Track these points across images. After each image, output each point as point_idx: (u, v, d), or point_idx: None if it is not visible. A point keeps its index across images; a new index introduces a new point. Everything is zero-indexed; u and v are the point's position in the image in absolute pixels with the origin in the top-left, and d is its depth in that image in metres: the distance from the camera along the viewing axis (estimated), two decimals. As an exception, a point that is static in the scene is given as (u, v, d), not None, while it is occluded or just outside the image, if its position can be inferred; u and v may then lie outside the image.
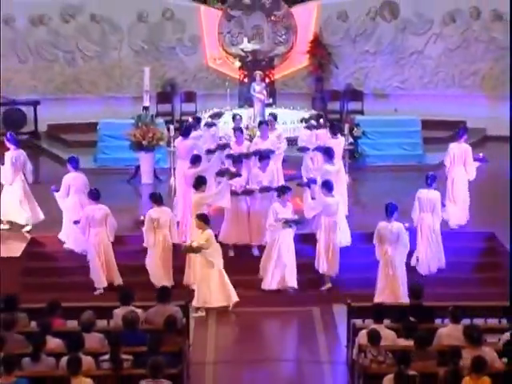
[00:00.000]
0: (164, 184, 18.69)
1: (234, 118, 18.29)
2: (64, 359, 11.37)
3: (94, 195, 16.14)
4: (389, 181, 17.37)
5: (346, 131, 18.29)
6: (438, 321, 12.95)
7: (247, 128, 18.94)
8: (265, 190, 16.20)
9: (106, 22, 23.02)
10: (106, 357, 11.60)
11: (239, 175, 16.38)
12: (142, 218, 15.79)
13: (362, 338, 12.15)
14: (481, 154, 17.47)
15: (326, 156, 16.45)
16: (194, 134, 17.65)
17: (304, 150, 17.34)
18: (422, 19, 22.95)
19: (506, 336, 12.06)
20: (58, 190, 16.59)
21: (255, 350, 14.43)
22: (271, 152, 16.88)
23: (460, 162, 16.58)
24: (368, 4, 23.11)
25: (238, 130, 17.53)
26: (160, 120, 20.29)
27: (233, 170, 16.44)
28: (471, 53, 22.93)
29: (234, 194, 16.03)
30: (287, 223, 15.53)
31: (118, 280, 15.82)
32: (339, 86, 23.03)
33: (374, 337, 11.93)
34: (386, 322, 12.74)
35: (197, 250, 14.89)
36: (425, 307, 13.00)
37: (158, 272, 15.80)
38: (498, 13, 22.67)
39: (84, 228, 15.96)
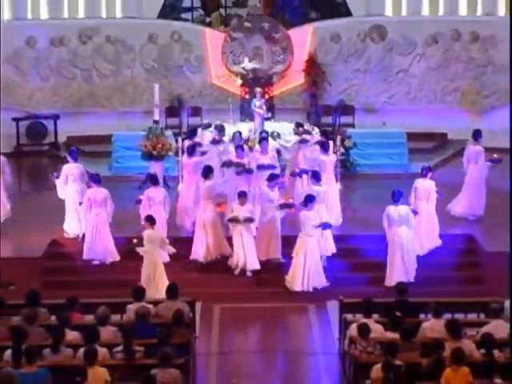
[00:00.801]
0: (172, 190, 18.65)
1: (233, 135, 18.24)
2: (81, 350, 11.37)
3: (96, 179, 16.60)
4: (377, 188, 17.38)
5: (339, 142, 18.30)
6: (421, 316, 12.93)
7: (248, 140, 18.91)
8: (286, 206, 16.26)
9: (119, 43, 23.03)
10: (120, 348, 11.60)
11: (243, 166, 16.72)
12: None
13: (353, 330, 12.15)
14: (495, 155, 17.54)
15: (313, 179, 16.44)
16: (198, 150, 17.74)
17: (296, 174, 17.22)
18: (407, 41, 22.95)
19: (484, 329, 12.07)
20: (58, 177, 16.94)
21: (255, 342, 14.49)
22: (273, 167, 16.88)
23: (423, 197, 16.35)
24: (358, 27, 23.11)
25: (238, 147, 17.50)
26: (169, 132, 20.31)
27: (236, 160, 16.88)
28: (452, 71, 22.93)
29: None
30: (281, 207, 15.93)
31: (113, 257, 16.26)
32: (332, 102, 23.02)
33: (363, 330, 11.93)
34: (375, 316, 12.74)
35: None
36: (410, 303, 12.99)
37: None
38: (476, 35, 22.69)
39: (86, 208, 16.32)
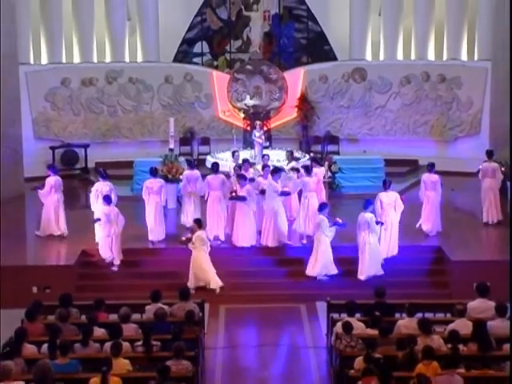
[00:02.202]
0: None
1: (243, 161, 18.23)
2: (107, 344, 11.35)
3: (103, 174, 17.21)
4: (359, 206, 17.32)
5: (326, 167, 18.28)
6: (397, 315, 12.90)
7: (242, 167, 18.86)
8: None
9: (140, 83, 23.09)
10: (140, 343, 11.58)
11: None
12: (183, 238, 15.85)
13: (338, 328, 12.12)
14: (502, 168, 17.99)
15: (305, 172, 17.10)
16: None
17: (285, 194, 17.18)
18: (384, 81, 22.99)
19: (450, 327, 12.05)
20: (40, 189, 17.21)
21: (255, 337, 14.45)
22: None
23: (389, 208, 16.20)
24: (343, 70, 23.16)
25: (245, 161, 17.61)
26: (182, 159, 20.29)
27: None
28: (422, 107, 22.95)
29: None
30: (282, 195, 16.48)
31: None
32: (320, 133, 23.05)
33: (347, 327, 11.91)
34: (357, 315, 12.72)
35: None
36: (387, 304, 12.96)
37: (151, 222, 16.95)
38: (443, 76, 22.73)
39: (93, 200, 16.95)
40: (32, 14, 22.12)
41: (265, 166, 17.44)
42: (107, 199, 16.17)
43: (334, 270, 15.70)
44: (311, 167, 17.34)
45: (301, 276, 15.93)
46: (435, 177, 17.44)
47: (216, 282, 15.48)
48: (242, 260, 16.47)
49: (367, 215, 15.51)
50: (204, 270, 15.50)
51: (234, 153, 18.73)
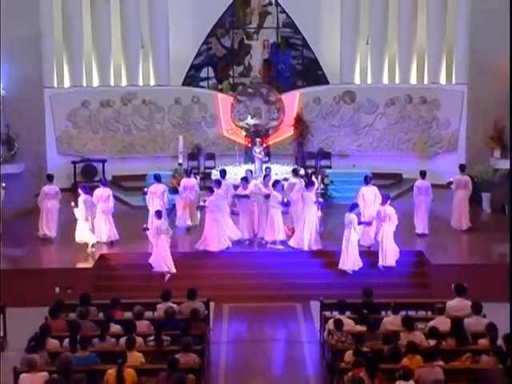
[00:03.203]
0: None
1: (245, 172, 18.29)
2: (122, 339, 11.35)
3: (104, 182, 17.76)
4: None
5: (319, 180, 18.27)
6: (383, 313, 12.88)
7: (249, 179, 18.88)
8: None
9: (152, 105, 23.09)
10: (152, 338, 11.58)
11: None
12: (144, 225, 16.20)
13: (330, 324, 12.11)
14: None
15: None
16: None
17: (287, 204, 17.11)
18: (371, 103, 22.99)
19: (431, 324, 12.03)
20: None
21: (256, 333, 14.41)
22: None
23: (386, 220, 16.17)
24: (334, 93, 23.16)
25: (243, 179, 17.56)
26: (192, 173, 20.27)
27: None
28: (406, 126, 22.94)
29: None
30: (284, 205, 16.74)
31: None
32: (314, 149, 23.01)
33: (338, 324, 11.90)
34: (347, 313, 12.69)
35: None
36: (374, 303, 12.96)
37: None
38: (424, 98, 22.72)
39: (95, 203, 17.10)
40: (56, 42, 22.15)
41: (266, 176, 17.48)
42: (158, 213, 16.03)
43: (360, 263, 15.83)
44: (312, 183, 17.28)
45: (296, 278, 15.93)
46: (427, 183, 17.77)
47: (170, 269, 15.70)
48: (243, 262, 16.42)
49: (351, 216, 15.72)
50: (160, 257, 15.65)
51: (266, 169, 18.55)
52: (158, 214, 16.04)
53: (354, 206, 15.94)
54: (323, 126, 23.16)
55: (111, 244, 17.15)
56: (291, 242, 16.64)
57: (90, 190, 17.28)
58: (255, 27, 24.64)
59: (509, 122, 20.35)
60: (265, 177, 17.51)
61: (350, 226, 15.70)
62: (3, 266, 16.30)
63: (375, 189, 17.18)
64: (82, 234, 16.94)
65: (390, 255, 16.01)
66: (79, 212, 16.91)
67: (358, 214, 16.06)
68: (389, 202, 16.40)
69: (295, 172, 17.93)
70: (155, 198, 17.47)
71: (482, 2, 21.03)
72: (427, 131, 22.79)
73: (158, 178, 17.83)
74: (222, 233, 16.65)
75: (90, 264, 16.15)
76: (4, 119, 20.24)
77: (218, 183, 17.18)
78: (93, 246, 16.72)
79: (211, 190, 16.72)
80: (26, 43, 20.43)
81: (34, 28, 20.76)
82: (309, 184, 16.80)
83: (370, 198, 16.94)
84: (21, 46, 20.28)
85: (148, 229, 15.96)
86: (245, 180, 17.33)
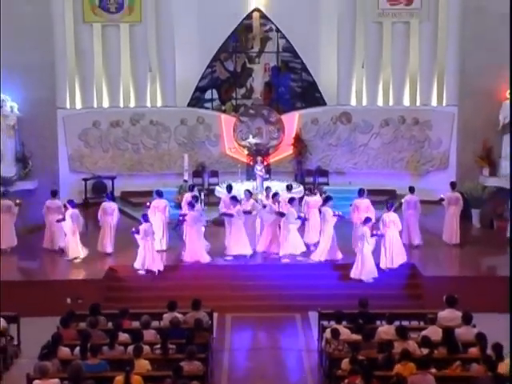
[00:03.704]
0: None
1: (244, 192, 18.08)
2: (130, 347, 11.35)
3: (110, 197, 17.88)
4: (345, 228, 17.39)
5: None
6: (378, 322, 12.88)
7: (252, 194, 18.92)
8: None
9: (159, 125, 23.11)
10: (158, 346, 11.57)
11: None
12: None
13: (328, 333, 12.11)
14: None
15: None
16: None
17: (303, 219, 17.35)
18: (366, 123, 23.01)
19: (423, 333, 12.02)
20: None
21: (257, 341, 14.42)
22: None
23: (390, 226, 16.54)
24: (331, 114, 23.18)
25: (233, 198, 17.48)
26: (194, 189, 20.31)
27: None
28: (399, 146, 22.94)
29: None
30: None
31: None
32: (312, 167, 23.02)
33: (335, 333, 11.90)
34: (344, 323, 12.70)
35: None
36: (369, 313, 12.95)
37: (159, 235, 17.19)
38: (416, 119, 22.74)
39: (101, 216, 17.39)
40: (68, 66, 22.22)
41: (275, 195, 17.41)
42: (145, 217, 16.59)
43: (376, 273, 15.97)
44: (313, 189, 17.85)
45: (295, 289, 15.92)
46: (415, 198, 17.97)
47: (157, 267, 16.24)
48: (244, 275, 16.42)
49: (364, 229, 15.92)
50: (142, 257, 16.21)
51: (267, 188, 18.55)
52: (145, 217, 16.56)
53: (367, 220, 16.03)
54: (321, 145, 23.17)
55: (106, 255, 17.24)
56: (314, 256, 16.76)
57: (76, 205, 17.53)
58: (257, 52, 24.71)
59: (496, 142, 20.44)
60: (274, 195, 17.44)
61: (363, 238, 15.86)
62: (17, 278, 16.36)
63: (368, 201, 17.54)
64: (73, 249, 16.98)
65: (396, 257, 16.26)
66: (66, 226, 17.00)
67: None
68: (393, 209, 16.76)
69: (289, 188, 18.05)
70: (157, 212, 17.55)
71: (471, 29, 21.11)
72: (419, 150, 22.81)
73: (160, 194, 17.95)
74: (203, 245, 16.85)
75: (99, 276, 16.14)
76: (19, 138, 20.29)
77: (235, 199, 17.22)
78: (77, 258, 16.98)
79: (192, 205, 16.89)
80: (40, 68, 20.51)
81: (48, 54, 20.85)
82: (327, 199, 17.02)
83: (363, 209, 17.29)
84: (36, 70, 20.36)
85: (138, 232, 16.29)
86: (246, 195, 17.41)
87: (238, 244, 16.87)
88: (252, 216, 17.30)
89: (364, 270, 15.89)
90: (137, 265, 16.36)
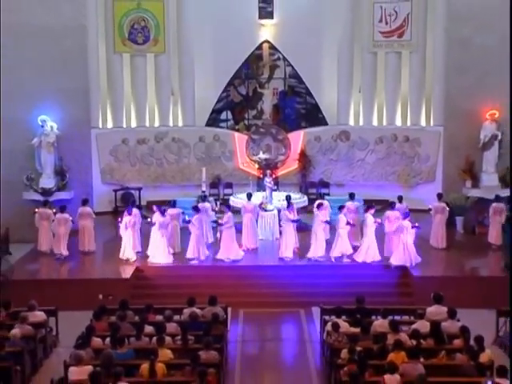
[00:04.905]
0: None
1: (247, 195, 18.49)
2: (154, 338, 11.37)
3: (129, 208, 17.43)
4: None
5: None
6: (373, 317, 12.85)
7: (262, 203, 18.95)
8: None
9: (180, 142, 23.17)
10: (179, 337, 11.59)
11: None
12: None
13: (329, 327, 12.10)
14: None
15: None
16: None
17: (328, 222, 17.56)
18: (363, 141, 23.02)
19: (413, 326, 12.00)
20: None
21: (266, 333, 14.38)
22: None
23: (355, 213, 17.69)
24: (332, 132, 23.21)
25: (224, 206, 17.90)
26: (211, 198, 20.36)
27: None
28: (392, 161, 22.91)
29: None
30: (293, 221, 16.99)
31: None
32: (315, 179, 23.02)
33: (335, 326, 11.89)
34: (343, 317, 12.69)
35: None
36: (366, 309, 12.93)
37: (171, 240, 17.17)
38: (407, 137, 22.72)
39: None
40: (101, 91, 22.34)
41: (289, 205, 17.38)
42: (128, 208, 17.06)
43: (379, 256, 16.63)
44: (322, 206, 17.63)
45: (300, 287, 15.90)
46: (403, 205, 17.99)
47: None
48: (255, 274, 16.37)
49: (367, 215, 16.66)
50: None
51: (248, 194, 18.68)
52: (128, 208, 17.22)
53: (369, 208, 16.85)
54: (323, 160, 23.19)
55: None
56: (359, 258, 16.73)
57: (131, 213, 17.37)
58: (266, 78, 24.78)
59: (478, 158, 20.41)
60: (288, 205, 17.42)
61: (366, 224, 16.57)
62: (56, 277, 16.42)
63: (357, 203, 18.10)
64: (128, 252, 17.02)
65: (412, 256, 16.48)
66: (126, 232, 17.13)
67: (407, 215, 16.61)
68: (395, 209, 17.31)
69: (288, 199, 18.08)
70: (173, 219, 17.45)
71: (454, 58, 21.08)
72: (410, 165, 22.78)
73: (173, 204, 17.99)
74: (235, 245, 16.97)
75: (127, 275, 16.19)
76: (58, 154, 20.41)
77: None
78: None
79: (197, 210, 17.05)
80: (77, 92, 20.63)
81: (83, 80, 20.97)
82: (369, 208, 17.04)
83: (353, 210, 17.77)
84: (73, 94, 20.48)
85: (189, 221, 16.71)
86: (225, 209, 17.44)
87: (227, 250, 16.84)
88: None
89: (368, 253, 16.37)
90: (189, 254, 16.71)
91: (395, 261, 16.33)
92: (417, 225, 16.55)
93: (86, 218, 17.81)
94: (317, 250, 16.75)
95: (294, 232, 17.10)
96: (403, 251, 16.29)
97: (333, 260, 16.63)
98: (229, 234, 16.82)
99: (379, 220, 16.85)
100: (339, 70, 23.35)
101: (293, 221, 16.99)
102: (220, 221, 17.21)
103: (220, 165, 23.23)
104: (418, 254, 16.56)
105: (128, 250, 16.92)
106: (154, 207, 17.41)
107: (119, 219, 17.42)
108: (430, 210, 18.23)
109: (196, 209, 17.16)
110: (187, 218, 17.13)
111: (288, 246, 16.83)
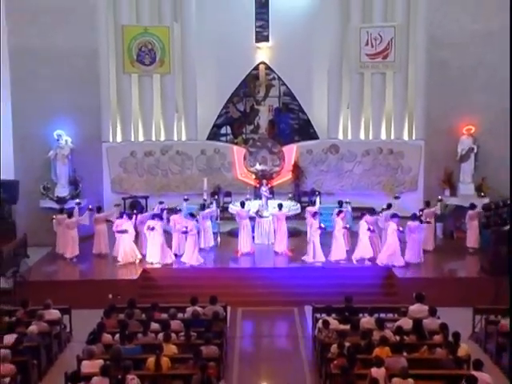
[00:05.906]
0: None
1: (240, 203, 18.66)
2: (160, 334, 11.37)
3: (129, 215, 17.67)
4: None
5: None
6: (360, 315, 12.87)
7: (259, 211, 18.98)
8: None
9: (184, 155, 23.13)
10: (182, 333, 11.59)
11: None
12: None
13: (320, 324, 12.11)
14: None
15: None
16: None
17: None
18: (351, 153, 22.99)
19: (397, 323, 12.00)
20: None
21: (262, 330, 14.38)
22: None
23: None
24: (322, 145, 23.18)
25: (188, 214, 17.74)
26: (213, 205, 20.30)
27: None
28: (377, 172, 22.89)
29: None
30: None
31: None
32: (307, 189, 22.95)
33: (326, 323, 11.90)
34: (333, 315, 12.69)
35: None
36: (354, 307, 12.95)
37: (175, 243, 17.32)
38: (391, 150, 22.70)
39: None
40: (111, 108, 22.36)
41: (315, 214, 17.68)
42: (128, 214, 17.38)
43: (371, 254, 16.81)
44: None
45: (294, 288, 15.89)
46: (391, 212, 18.04)
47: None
48: (253, 276, 16.39)
49: (391, 223, 16.74)
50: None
51: (242, 202, 18.72)
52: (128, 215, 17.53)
53: (341, 202, 17.55)
54: (314, 171, 23.18)
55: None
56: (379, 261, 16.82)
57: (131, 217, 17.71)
58: (262, 96, 24.87)
59: (456, 169, 20.48)
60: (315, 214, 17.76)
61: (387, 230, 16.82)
62: (69, 278, 16.41)
63: (346, 210, 18.38)
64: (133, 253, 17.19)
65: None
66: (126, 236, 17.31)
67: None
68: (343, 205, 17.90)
69: (279, 207, 18.08)
70: (177, 224, 17.69)
71: (435, 78, 21.18)
72: (394, 175, 22.79)
73: (176, 210, 18.39)
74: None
75: (135, 276, 16.17)
76: (72, 165, 20.45)
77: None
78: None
79: (192, 216, 17.32)
80: (89, 109, 20.70)
81: (95, 98, 21.03)
82: (393, 216, 17.18)
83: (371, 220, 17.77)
84: (85, 111, 20.55)
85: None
86: (191, 216, 17.50)
87: (189, 256, 16.88)
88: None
89: (389, 256, 16.47)
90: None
91: (409, 259, 16.75)
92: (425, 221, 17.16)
93: (100, 223, 17.87)
94: (338, 254, 16.90)
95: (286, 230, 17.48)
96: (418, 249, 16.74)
97: (355, 262, 16.73)
98: (193, 241, 16.83)
99: (401, 228, 16.80)
100: (329, 88, 23.39)
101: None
102: (184, 229, 17.12)
103: (220, 175, 23.22)
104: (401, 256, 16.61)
105: (153, 253, 16.86)
106: (124, 214, 17.49)
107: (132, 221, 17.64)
108: (420, 216, 18.17)
109: (192, 215, 17.22)
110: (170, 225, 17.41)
111: (281, 242, 17.36)
